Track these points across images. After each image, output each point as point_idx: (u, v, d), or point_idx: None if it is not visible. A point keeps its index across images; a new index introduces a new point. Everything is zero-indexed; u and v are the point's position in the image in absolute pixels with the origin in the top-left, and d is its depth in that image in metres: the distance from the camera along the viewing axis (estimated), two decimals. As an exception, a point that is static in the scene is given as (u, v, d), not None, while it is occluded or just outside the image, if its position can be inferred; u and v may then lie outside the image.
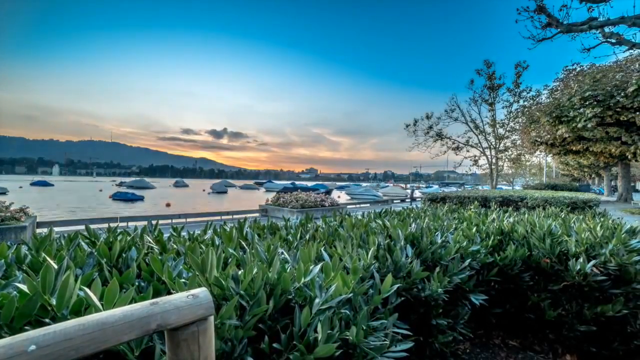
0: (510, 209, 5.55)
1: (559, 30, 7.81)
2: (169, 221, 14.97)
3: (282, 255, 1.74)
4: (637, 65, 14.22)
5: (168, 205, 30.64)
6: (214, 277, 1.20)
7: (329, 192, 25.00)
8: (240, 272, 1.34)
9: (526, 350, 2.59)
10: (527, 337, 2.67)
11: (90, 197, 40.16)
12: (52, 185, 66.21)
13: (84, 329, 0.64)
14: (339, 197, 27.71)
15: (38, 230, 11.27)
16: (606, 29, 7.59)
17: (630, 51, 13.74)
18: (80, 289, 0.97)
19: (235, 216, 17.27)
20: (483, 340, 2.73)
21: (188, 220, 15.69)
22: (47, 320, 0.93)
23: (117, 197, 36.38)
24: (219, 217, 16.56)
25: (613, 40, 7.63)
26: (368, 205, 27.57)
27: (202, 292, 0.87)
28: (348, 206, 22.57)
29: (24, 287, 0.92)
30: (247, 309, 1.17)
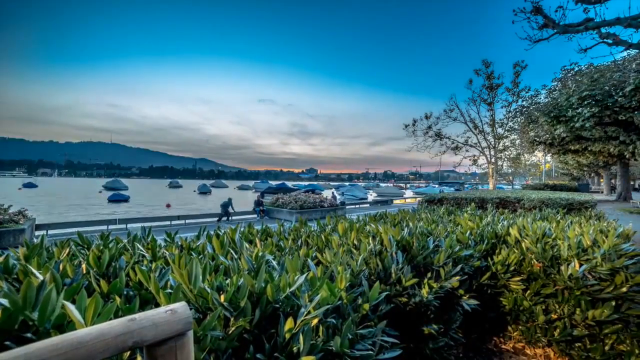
0: (507, 210, 5.56)
1: (555, 31, 7.83)
2: (168, 223, 15.00)
3: (273, 262, 1.75)
4: (634, 65, 14.23)
5: (168, 206, 30.66)
6: (198, 288, 1.21)
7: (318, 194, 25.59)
8: (227, 281, 1.35)
9: (519, 355, 2.60)
10: (519, 341, 2.67)
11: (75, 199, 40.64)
12: (37, 186, 68.56)
13: (57, 350, 0.65)
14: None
15: (37, 233, 11.28)
16: (602, 30, 7.60)
17: (628, 51, 13.76)
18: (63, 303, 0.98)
19: (234, 217, 17.29)
20: (477, 344, 2.74)
21: (187, 221, 15.70)
22: (28, 335, 0.93)
23: (113, 198, 37.09)
24: (217, 219, 16.57)
25: (609, 41, 7.64)
26: (368, 205, 27.60)
27: (181, 307, 0.87)
28: (347, 207, 22.59)
29: (5, 302, 0.93)
30: (231, 320, 1.17)
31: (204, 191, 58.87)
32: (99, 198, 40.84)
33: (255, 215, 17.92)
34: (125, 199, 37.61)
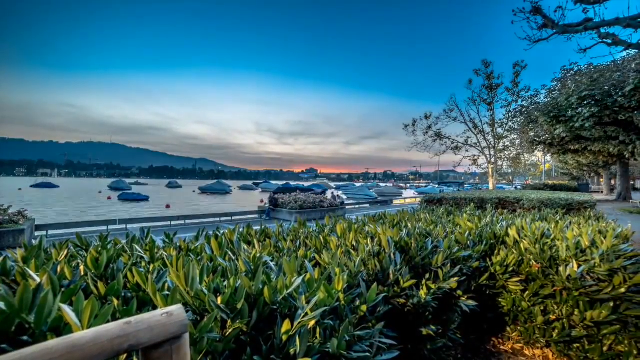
0: (506, 211, 5.56)
1: (555, 31, 7.83)
2: (168, 223, 15.00)
3: (270, 264, 1.75)
4: (634, 65, 14.23)
5: (168, 206, 30.65)
6: (196, 290, 1.21)
7: (323, 193, 25.44)
8: (225, 283, 1.35)
9: (517, 355, 2.60)
10: (518, 341, 2.67)
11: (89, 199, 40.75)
12: (58, 186, 70.07)
13: (51, 353, 0.65)
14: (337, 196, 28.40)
15: (36, 234, 11.28)
16: (602, 30, 7.60)
17: (627, 51, 13.77)
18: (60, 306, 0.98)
19: (234, 217, 17.29)
20: (475, 345, 2.74)
21: (187, 222, 15.70)
22: (25, 338, 0.93)
23: (123, 197, 37.47)
24: (217, 219, 16.58)
25: (609, 41, 7.64)
26: (367, 205, 27.59)
27: (177, 309, 0.87)
28: (347, 207, 22.57)
29: (1, 305, 0.93)
30: (228, 322, 1.17)
31: (227, 191, 58.10)
32: (109, 198, 40.95)
33: (264, 216, 17.75)
34: (145, 199, 37.83)
